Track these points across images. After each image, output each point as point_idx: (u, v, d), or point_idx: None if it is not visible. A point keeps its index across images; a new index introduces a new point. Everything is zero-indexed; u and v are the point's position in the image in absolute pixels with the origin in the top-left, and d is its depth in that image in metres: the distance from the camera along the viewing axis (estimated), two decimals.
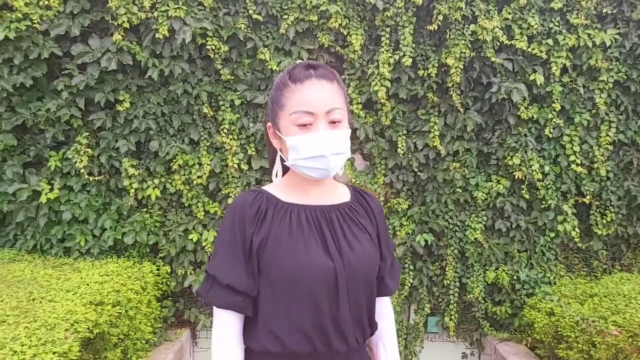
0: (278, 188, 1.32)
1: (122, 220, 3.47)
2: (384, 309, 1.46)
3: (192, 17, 3.25)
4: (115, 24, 3.20)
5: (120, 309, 2.68)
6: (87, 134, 3.33)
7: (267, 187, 1.32)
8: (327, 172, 1.23)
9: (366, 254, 1.26)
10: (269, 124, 1.30)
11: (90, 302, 2.51)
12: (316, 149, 1.19)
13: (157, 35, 3.21)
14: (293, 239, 1.22)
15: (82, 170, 3.28)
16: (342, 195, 1.36)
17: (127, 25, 3.18)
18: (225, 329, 1.23)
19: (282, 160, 1.28)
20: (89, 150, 3.31)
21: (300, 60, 1.30)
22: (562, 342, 2.99)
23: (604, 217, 3.62)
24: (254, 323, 1.25)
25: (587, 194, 3.57)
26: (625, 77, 3.50)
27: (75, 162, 3.26)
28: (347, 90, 1.33)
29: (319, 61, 3.38)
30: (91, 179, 3.35)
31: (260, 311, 1.23)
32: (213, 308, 1.26)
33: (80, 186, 3.38)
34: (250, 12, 3.35)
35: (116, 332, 2.60)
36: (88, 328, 2.31)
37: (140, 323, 2.98)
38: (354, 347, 1.25)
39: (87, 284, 2.76)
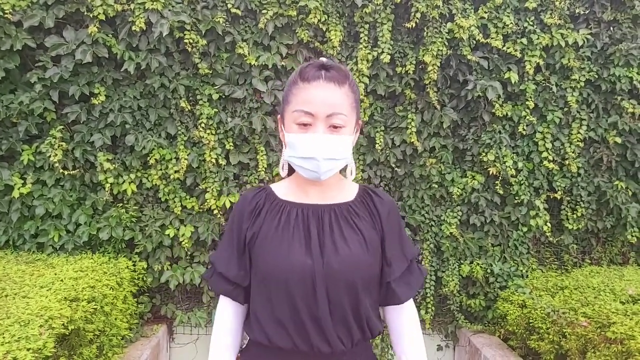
0: (282, 186, 1.36)
1: (97, 215, 3.42)
2: (398, 318, 1.37)
3: (169, 10, 3.21)
4: (91, 15, 3.14)
5: (95, 305, 2.65)
6: (61, 127, 3.27)
7: (274, 184, 1.38)
8: (317, 174, 1.24)
9: (352, 256, 1.24)
10: (279, 116, 1.33)
11: (65, 298, 2.48)
12: (309, 151, 1.21)
13: (133, 28, 3.16)
14: (278, 235, 1.25)
15: (56, 165, 3.21)
16: (346, 195, 1.35)
17: (102, 17, 3.12)
18: (222, 313, 1.35)
19: None
20: (63, 144, 3.25)
21: (317, 59, 1.30)
22: (534, 334, 3.07)
23: (575, 212, 3.72)
24: (250, 312, 1.32)
25: (558, 190, 3.66)
26: (596, 76, 3.60)
27: (49, 156, 3.20)
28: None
29: (299, 58, 3.40)
30: (65, 173, 3.29)
31: (251, 302, 1.30)
32: None
33: (54, 181, 3.32)
34: (229, 6, 3.33)
35: (91, 328, 2.57)
36: (63, 324, 2.28)
37: (116, 319, 2.95)
38: (339, 350, 1.24)
39: (62, 280, 2.71)
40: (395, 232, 1.34)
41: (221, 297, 1.35)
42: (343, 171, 1.37)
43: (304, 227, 1.26)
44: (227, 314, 1.35)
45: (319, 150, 1.20)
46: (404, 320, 1.37)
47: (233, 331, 1.36)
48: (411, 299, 1.38)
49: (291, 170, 1.37)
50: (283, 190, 1.35)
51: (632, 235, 3.68)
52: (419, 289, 1.47)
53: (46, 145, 3.20)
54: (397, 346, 1.39)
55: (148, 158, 3.39)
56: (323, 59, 1.28)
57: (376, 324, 1.31)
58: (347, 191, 1.36)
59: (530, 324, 3.10)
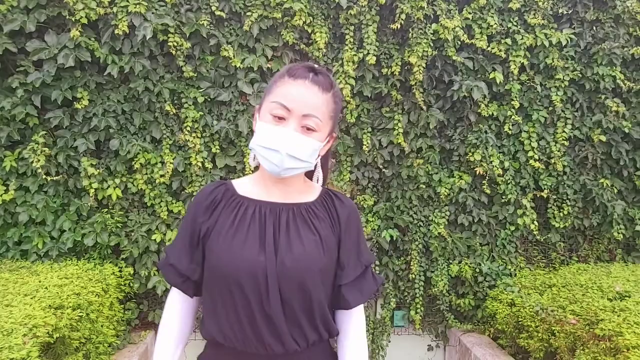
0: (244, 182, 1.35)
1: (81, 221, 3.38)
2: (345, 323, 1.35)
3: (153, 13, 3.19)
4: (73, 19, 3.10)
5: (81, 313, 2.60)
6: (44, 132, 3.22)
7: (237, 180, 1.37)
8: (277, 169, 1.22)
9: (305, 255, 1.21)
10: (257, 106, 1.32)
11: (50, 305, 2.43)
12: (274, 142, 1.19)
13: (116, 32, 3.13)
14: (233, 231, 1.24)
15: (39, 170, 3.16)
16: (308, 196, 1.34)
17: (85, 21, 3.09)
18: (171, 305, 1.36)
19: None
20: (46, 149, 3.21)
21: (307, 62, 1.32)
22: (523, 332, 3.08)
23: (561, 210, 3.75)
24: (203, 311, 1.31)
25: (544, 189, 3.68)
26: (580, 75, 3.63)
27: (32, 162, 3.14)
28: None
29: (285, 60, 3.39)
30: (49, 179, 3.24)
31: (203, 299, 1.31)
32: None
33: (37, 187, 3.26)
34: (213, 8, 3.31)
35: (77, 336, 2.52)
36: (47, 332, 2.23)
37: (102, 326, 2.90)
38: (293, 350, 1.22)
39: (46, 288, 2.66)
40: (352, 237, 1.33)
41: (172, 288, 1.36)
42: (311, 174, 1.38)
43: (260, 224, 1.25)
44: (176, 305, 1.35)
45: (285, 145, 1.19)
46: (350, 326, 1.34)
47: (180, 324, 1.36)
48: (361, 306, 1.36)
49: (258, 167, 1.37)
50: (244, 186, 1.33)
51: (619, 233, 3.72)
52: (370, 297, 1.45)
53: (29, 151, 3.15)
54: (339, 350, 1.36)
55: (133, 162, 3.35)
56: (314, 64, 1.28)
57: (331, 324, 1.29)
58: (310, 193, 1.36)
59: (520, 323, 3.11)
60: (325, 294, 1.28)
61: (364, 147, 3.53)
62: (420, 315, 3.71)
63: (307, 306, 1.23)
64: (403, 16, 3.34)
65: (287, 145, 1.19)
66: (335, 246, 1.29)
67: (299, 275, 1.20)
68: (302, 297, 1.22)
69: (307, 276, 1.21)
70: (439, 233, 3.63)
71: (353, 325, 1.35)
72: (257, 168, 1.35)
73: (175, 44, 3.25)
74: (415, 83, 3.47)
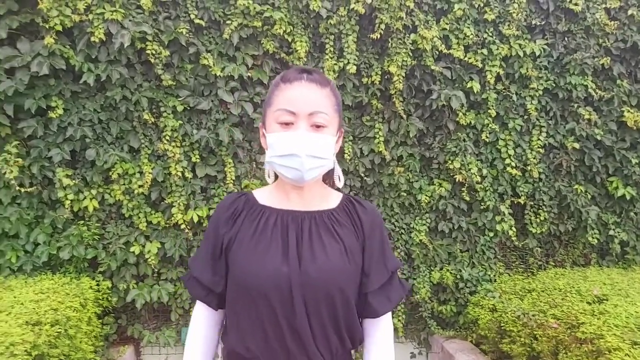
0: (264, 191, 1.34)
1: (56, 234, 3.27)
2: (373, 331, 1.33)
3: (130, 20, 3.13)
4: (47, 26, 3.02)
5: (59, 329, 2.51)
6: (17, 142, 3.12)
7: (257, 190, 1.36)
8: (300, 173, 1.20)
9: (330, 264, 1.19)
10: (261, 124, 1.31)
11: (27, 322, 2.34)
12: (290, 147, 1.18)
13: (92, 39, 3.06)
14: (255, 241, 1.21)
15: (12, 182, 3.05)
16: (329, 202, 1.31)
17: (59, 28, 3.02)
18: (197, 319, 1.35)
19: None
20: (19, 160, 3.10)
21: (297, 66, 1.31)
22: (506, 337, 3.12)
23: (538, 216, 3.82)
24: (226, 322, 1.30)
25: (521, 195, 3.76)
26: (553, 84, 3.73)
27: (4, 173, 3.03)
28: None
29: (265, 69, 3.37)
30: (22, 190, 3.13)
31: (227, 311, 1.28)
32: None
33: (10, 199, 3.15)
34: (192, 16, 3.28)
35: (56, 353, 2.43)
36: (26, 350, 2.15)
37: (80, 342, 2.80)
38: None
39: (22, 303, 2.56)
40: (377, 243, 1.30)
41: (197, 302, 1.35)
42: (331, 178, 1.37)
43: (282, 233, 1.23)
44: (202, 319, 1.34)
45: (301, 147, 1.17)
46: (378, 334, 1.33)
47: (207, 338, 1.35)
48: (389, 313, 1.34)
49: (276, 177, 1.34)
50: (264, 195, 1.32)
51: (593, 237, 3.81)
52: (398, 304, 1.44)
53: (1, 162, 3.04)
54: (366, 357, 1.35)
55: (110, 173, 3.27)
56: (304, 66, 1.29)
57: (356, 334, 1.27)
58: (330, 199, 1.33)
59: (502, 328, 3.15)
60: (352, 304, 1.25)
61: (346, 155, 3.54)
62: (403, 323, 3.71)
63: (333, 316, 1.21)
64: (382, 26, 3.38)
65: (304, 146, 1.18)
66: (359, 253, 1.27)
67: (324, 285, 1.18)
68: (328, 308, 1.20)
69: (332, 286, 1.19)
70: (420, 240, 3.65)
71: (380, 333, 1.33)
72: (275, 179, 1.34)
73: (154, 52, 3.20)
74: (395, 92, 3.50)
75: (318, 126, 1.20)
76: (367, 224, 1.29)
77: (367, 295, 1.28)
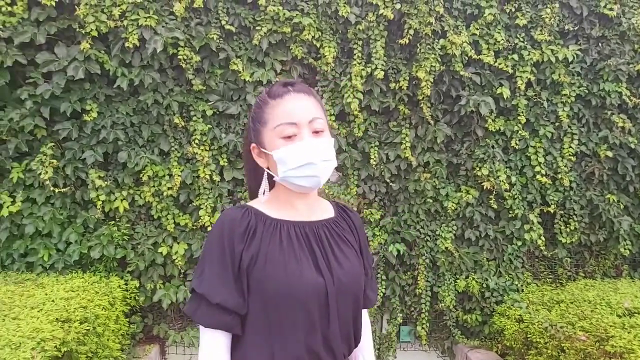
0: (264, 204, 1.30)
1: (88, 233, 3.36)
2: (364, 320, 1.46)
3: (163, 26, 3.21)
4: (83, 32, 3.12)
5: (88, 326, 2.58)
6: (52, 144, 3.22)
7: (252, 204, 1.30)
8: (317, 179, 1.23)
9: (354, 269, 1.27)
10: (253, 145, 1.28)
11: (57, 319, 2.42)
12: (304, 157, 1.19)
13: (126, 44, 3.15)
14: (285, 255, 1.20)
15: (47, 182, 3.15)
16: (326, 210, 1.38)
17: (95, 33, 3.11)
18: (214, 349, 1.17)
19: (270, 177, 1.28)
20: (54, 161, 3.20)
21: (277, 80, 1.34)
22: (532, 348, 3.06)
23: (568, 225, 3.74)
24: (241, 343, 1.20)
25: (551, 204, 3.68)
26: (586, 91, 3.65)
27: (40, 173, 3.14)
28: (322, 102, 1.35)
29: (294, 74, 3.42)
30: (56, 191, 3.23)
31: (250, 329, 1.19)
32: (200, 327, 1.19)
33: (44, 199, 3.26)
34: (223, 22, 3.33)
35: (84, 350, 2.50)
36: (55, 346, 2.22)
37: (108, 340, 2.88)
38: None
39: (53, 301, 2.65)
40: (365, 242, 1.43)
41: (209, 331, 1.17)
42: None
43: (307, 244, 1.24)
44: (220, 349, 1.17)
45: (314, 154, 1.20)
46: (365, 323, 1.45)
47: None
48: None
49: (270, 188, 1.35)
50: (269, 208, 1.29)
51: (625, 248, 3.71)
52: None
53: (36, 163, 3.15)
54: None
55: (141, 175, 3.35)
56: (280, 80, 1.31)
57: (362, 328, 1.36)
58: (326, 207, 1.39)
59: (528, 339, 3.09)
60: (362, 301, 1.35)
61: (371, 160, 3.53)
62: (427, 331, 3.68)
63: (354, 317, 1.28)
64: (411, 32, 3.37)
65: (316, 153, 1.20)
66: (361, 254, 1.38)
67: (353, 289, 1.26)
68: (353, 309, 1.27)
69: (358, 289, 1.28)
70: (446, 248, 3.61)
71: (365, 322, 1.46)
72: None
73: (185, 57, 3.27)
74: (423, 98, 3.48)
75: (318, 131, 1.23)
76: (359, 227, 1.41)
77: (365, 290, 1.37)
